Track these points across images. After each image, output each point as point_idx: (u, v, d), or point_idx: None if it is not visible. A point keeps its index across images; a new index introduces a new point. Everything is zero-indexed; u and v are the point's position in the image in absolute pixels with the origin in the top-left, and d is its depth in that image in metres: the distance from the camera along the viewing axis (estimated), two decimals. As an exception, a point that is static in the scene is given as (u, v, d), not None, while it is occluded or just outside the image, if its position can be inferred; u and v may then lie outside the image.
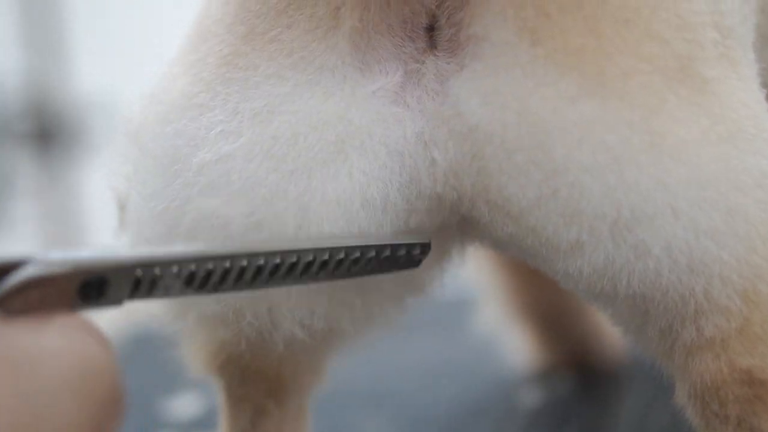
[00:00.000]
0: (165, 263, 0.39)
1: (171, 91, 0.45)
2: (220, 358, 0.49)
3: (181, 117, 0.44)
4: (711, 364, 0.43)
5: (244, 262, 0.41)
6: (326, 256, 0.43)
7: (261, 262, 0.41)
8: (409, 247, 0.44)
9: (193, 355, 0.50)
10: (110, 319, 0.79)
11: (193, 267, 0.40)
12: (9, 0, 1.67)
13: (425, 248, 0.45)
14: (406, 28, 0.44)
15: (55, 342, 0.36)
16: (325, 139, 0.43)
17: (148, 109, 0.46)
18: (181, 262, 0.40)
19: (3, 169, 1.66)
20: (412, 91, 0.44)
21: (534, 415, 0.72)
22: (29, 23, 1.67)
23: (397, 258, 0.44)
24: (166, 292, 0.40)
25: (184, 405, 0.73)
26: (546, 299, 0.76)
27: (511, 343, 0.78)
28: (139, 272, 0.39)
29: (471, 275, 0.74)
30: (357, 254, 0.43)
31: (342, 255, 0.43)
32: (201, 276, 0.40)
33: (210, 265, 0.40)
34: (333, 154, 0.43)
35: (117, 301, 0.39)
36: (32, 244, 1.64)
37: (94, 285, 0.38)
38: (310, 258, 0.42)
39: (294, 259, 0.42)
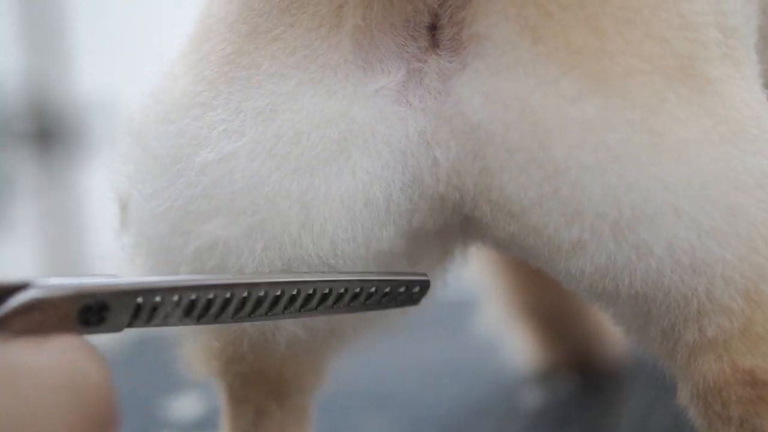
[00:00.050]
0: (166, 291, 0.40)
1: (173, 90, 0.45)
2: (222, 359, 0.49)
3: (183, 116, 0.44)
4: (713, 364, 0.43)
5: (245, 293, 0.42)
6: (327, 290, 0.43)
7: (261, 293, 0.42)
8: (409, 284, 0.45)
9: (195, 355, 0.50)
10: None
11: (193, 296, 0.41)
12: (9, 0, 1.66)
13: (424, 286, 0.45)
14: (408, 26, 0.44)
15: (52, 359, 0.37)
16: (327, 137, 0.43)
17: (149, 108, 0.46)
18: (182, 290, 0.40)
19: (3, 169, 1.66)
20: (415, 89, 0.43)
21: (535, 415, 0.72)
22: (29, 23, 1.66)
23: (396, 295, 0.45)
24: (166, 320, 0.40)
25: (186, 405, 0.73)
26: (547, 300, 0.75)
27: (512, 344, 0.78)
28: (140, 299, 0.40)
29: (473, 276, 0.74)
30: (357, 289, 0.44)
31: (342, 289, 0.43)
32: (201, 305, 0.41)
33: (210, 295, 0.41)
34: (336, 152, 0.43)
35: (117, 327, 0.40)
36: (32, 244, 1.64)
37: (95, 310, 0.39)
38: (311, 291, 0.43)
39: (294, 291, 0.43)
